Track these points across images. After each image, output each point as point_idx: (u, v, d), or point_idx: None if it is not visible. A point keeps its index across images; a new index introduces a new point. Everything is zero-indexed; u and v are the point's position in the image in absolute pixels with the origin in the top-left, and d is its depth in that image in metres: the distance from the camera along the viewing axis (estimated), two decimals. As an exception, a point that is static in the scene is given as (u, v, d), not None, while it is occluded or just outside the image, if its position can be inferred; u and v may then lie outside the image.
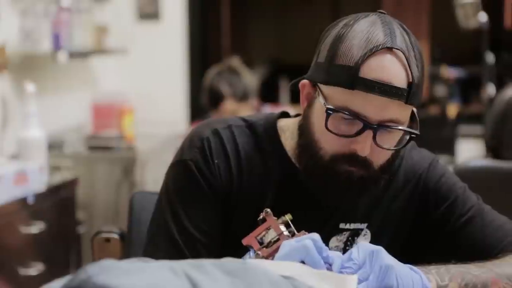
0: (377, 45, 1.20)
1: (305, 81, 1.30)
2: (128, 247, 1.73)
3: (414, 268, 1.15)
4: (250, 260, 1.10)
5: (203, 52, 4.99)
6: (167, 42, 4.80)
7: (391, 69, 1.19)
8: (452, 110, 4.83)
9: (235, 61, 3.49)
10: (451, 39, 5.35)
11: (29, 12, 3.60)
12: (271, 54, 7.42)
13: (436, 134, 4.59)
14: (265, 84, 6.48)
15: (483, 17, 3.58)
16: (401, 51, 1.20)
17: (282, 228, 1.17)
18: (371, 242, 1.34)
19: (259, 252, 1.15)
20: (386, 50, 1.20)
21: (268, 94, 5.86)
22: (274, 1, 7.63)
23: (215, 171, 1.32)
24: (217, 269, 0.99)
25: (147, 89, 4.74)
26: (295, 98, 5.78)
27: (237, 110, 3.27)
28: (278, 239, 1.15)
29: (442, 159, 4.29)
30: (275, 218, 1.17)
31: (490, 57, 3.76)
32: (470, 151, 4.37)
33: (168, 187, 1.35)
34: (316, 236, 1.11)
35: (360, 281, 1.10)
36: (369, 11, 1.29)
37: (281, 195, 1.32)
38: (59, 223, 3.11)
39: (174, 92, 4.81)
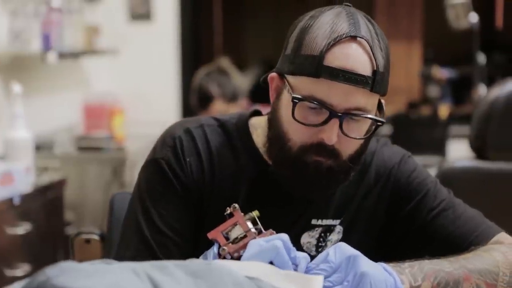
0: (341, 34, 1.22)
1: (273, 74, 1.31)
2: (108, 248, 1.72)
3: (389, 269, 1.15)
4: (215, 261, 1.09)
5: (195, 52, 4.99)
6: (159, 42, 4.79)
7: (355, 57, 1.21)
8: (444, 110, 4.83)
9: (225, 62, 3.49)
10: (444, 40, 5.34)
11: (19, 12, 3.60)
12: (265, 54, 7.42)
13: (428, 135, 4.58)
14: (259, 84, 6.47)
15: (474, 17, 3.58)
16: (365, 40, 1.22)
17: (249, 225, 1.17)
18: (343, 238, 1.35)
19: (224, 247, 1.16)
20: (350, 39, 1.22)
21: (261, 94, 5.85)
22: (269, 1, 7.63)
23: (187, 169, 1.32)
24: (180, 270, 0.99)
25: (139, 89, 4.74)
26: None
27: (226, 111, 3.25)
28: (245, 236, 1.16)
29: (433, 159, 4.29)
30: (243, 214, 1.18)
31: (481, 58, 3.76)
32: (461, 151, 4.36)
33: (140, 186, 1.35)
34: (284, 236, 1.12)
35: (333, 285, 1.10)
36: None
37: (253, 192, 1.33)
38: (47, 224, 3.11)
39: (166, 92, 4.81)
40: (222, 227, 1.17)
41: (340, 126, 1.22)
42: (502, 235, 1.36)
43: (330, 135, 1.22)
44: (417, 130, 4.63)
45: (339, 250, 1.12)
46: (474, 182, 2.26)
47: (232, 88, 3.35)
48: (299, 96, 1.23)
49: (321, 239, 1.36)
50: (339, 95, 1.21)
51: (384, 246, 1.38)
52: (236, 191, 1.33)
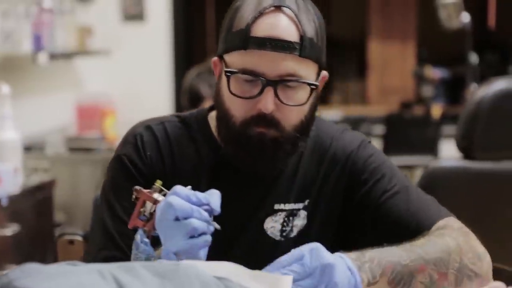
0: (265, 6, 1.28)
1: (214, 58, 1.37)
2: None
3: (352, 268, 1.17)
4: (184, 261, 1.09)
5: (188, 53, 4.99)
6: (152, 43, 4.78)
7: (280, 26, 1.27)
8: (437, 110, 4.83)
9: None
10: (438, 40, 5.34)
11: (10, 13, 3.60)
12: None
13: (420, 135, 4.58)
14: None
15: (466, 17, 3.58)
16: (290, 9, 1.28)
17: (156, 195, 1.18)
18: (307, 223, 1.38)
19: (145, 229, 1.17)
20: (274, 9, 1.28)
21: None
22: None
23: (148, 162, 1.36)
24: (147, 271, 0.98)
25: (132, 90, 4.73)
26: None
27: (217, 111, 3.25)
28: (155, 209, 1.17)
29: (425, 159, 4.29)
30: (146, 190, 1.19)
31: (474, 58, 3.76)
32: (453, 151, 4.36)
33: (105, 184, 1.39)
34: (178, 188, 1.15)
35: None
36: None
37: (215, 181, 1.35)
38: (36, 225, 3.10)
39: (159, 93, 4.80)
40: (135, 213, 1.19)
41: (276, 94, 1.27)
42: (451, 219, 1.39)
43: (266, 103, 1.26)
44: (410, 130, 4.63)
45: (315, 255, 1.13)
46: (460, 182, 2.25)
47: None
48: (231, 70, 1.28)
49: (285, 224, 1.38)
50: (269, 63, 1.26)
51: (343, 230, 1.41)
52: (198, 181, 1.35)
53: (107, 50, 4.52)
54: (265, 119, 1.27)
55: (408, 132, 4.61)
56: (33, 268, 0.91)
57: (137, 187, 1.20)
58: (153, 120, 1.42)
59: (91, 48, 4.34)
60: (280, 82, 1.27)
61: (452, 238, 1.31)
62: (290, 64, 1.26)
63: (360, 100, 6.09)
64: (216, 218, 1.17)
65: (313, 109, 1.34)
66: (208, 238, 1.13)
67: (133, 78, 4.76)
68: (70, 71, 4.52)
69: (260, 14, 1.27)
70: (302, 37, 1.27)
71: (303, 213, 1.38)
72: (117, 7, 4.75)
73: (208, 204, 1.14)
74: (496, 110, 2.21)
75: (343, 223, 1.41)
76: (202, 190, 1.24)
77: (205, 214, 1.13)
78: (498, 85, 2.24)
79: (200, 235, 1.13)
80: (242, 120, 1.30)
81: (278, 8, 1.27)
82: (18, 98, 3.39)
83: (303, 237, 1.36)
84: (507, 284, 1.33)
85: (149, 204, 1.18)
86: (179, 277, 0.98)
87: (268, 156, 1.30)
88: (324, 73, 1.34)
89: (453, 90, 5.33)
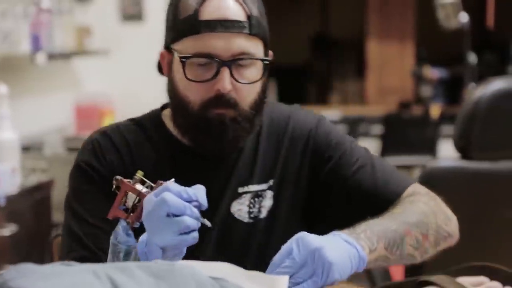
0: None
1: (162, 51, 1.40)
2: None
3: (349, 239, 1.20)
4: (179, 261, 1.09)
5: (187, 53, 4.98)
6: (151, 43, 4.74)
7: (227, 7, 1.32)
8: (435, 110, 4.83)
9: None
10: (436, 40, 5.34)
11: (8, 13, 3.59)
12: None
13: (419, 134, 4.59)
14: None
15: (464, 17, 3.58)
16: None
17: (139, 187, 1.18)
18: (274, 203, 1.41)
19: (128, 220, 1.16)
20: None
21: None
22: (263, 2, 7.62)
23: (108, 165, 1.38)
24: (142, 271, 0.98)
25: (130, 90, 4.73)
26: (283, 99, 5.80)
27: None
28: (139, 200, 1.17)
29: (424, 159, 4.29)
30: (128, 180, 1.18)
31: (472, 58, 3.76)
32: (451, 151, 4.36)
33: (67, 195, 1.42)
34: (170, 184, 1.15)
35: (303, 280, 1.12)
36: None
37: (177, 173, 1.36)
38: (34, 225, 3.09)
39: (157, 93, 4.78)
40: (116, 203, 1.18)
41: (231, 74, 1.31)
42: (417, 186, 1.45)
43: (223, 83, 1.30)
44: (408, 130, 4.63)
45: (302, 244, 1.15)
46: (458, 182, 2.25)
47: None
48: (186, 55, 1.31)
49: (251, 205, 1.40)
50: (222, 44, 1.30)
51: (313, 209, 1.44)
52: (161, 176, 1.35)
53: (105, 50, 4.52)
54: (223, 100, 1.31)
55: (406, 132, 4.62)
56: (28, 268, 0.91)
57: (118, 177, 1.19)
58: (108, 127, 1.46)
59: (90, 48, 4.34)
60: (234, 61, 1.31)
61: (423, 203, 1.38)
62: (242, 43, 1.31)
63: (358, 100, 6.09)
64: None
65: (264, 86, 1.38)
66: (196, 235, 1.14)
67: (132, 78, 4.75)
68: (68, 71, 4.52)
69: None
70: (249, 16, 1.32)
71: (269, 194, 1.41)
72: (116, 7, 4.75)
73: (197, 200, 1.15)
74: (493, 110, 2.21)
75: (312, 201, 1.44)
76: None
77: (196, 212, 1.14)
78: (496, 85, 2.24)
79: (189, 232, 1.14)
80: (200, 104, 1.33)
81: None
82: (16, 98, 3.39)
83: (272, 218, 1.40)
84: (504, 284, 1.34)
85: (132, 196, 1.17)
86: (174, 278, 0.98)
87: (229, 137, 1.34)
88: (270, 52, 1.38)
89: (451, 90, 5.33)
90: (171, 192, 1.14)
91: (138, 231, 1.19)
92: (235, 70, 1.31)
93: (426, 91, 5.05)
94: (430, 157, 4.34)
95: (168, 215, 1.12)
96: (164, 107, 1.48)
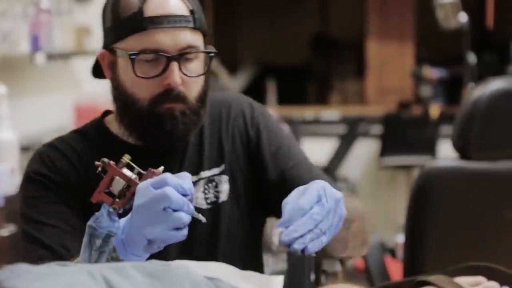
0: None
1: (102, 52, 1.42)
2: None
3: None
4: (175, 261, 1.09)
5: (186, 53, 4.97)
6: (150, 43, 4.77)
7: (170, 2, 1.36)
8: (435, 110, 4.82)
9: (212, 63, 3.48)
10: (436, 40, 5.34)
11: (7, 13, 3.59)
12: (259, 55, 7.42)
13: (418, 134, 4.58)
14: (253, 85, 6.47)
15: (463, 17, 3.58)
16: None
17: (128, 172, 1.16)
18: (230, 186, 1.46)
19: (115, 206, 1.14)
20: None
21: (255, 95, 5.85)
22: (263, 2, 7.62)
23: (59, 172, 1.40)
24: (137, 271, 0.98)
25: (130, 90, 4.72)
26: (283, 100, 5.78)
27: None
28: (128, 186, 1.15)
29: (423, 159, 4.28)
30: (114, 163, 1.17)
31: (472, 58, 3.75)
32: (451, 151, 4.35)
33: (20, 205, 1.42)
34: (168, 176, 1.14)
35: (321, 232, 1.12)
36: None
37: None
38: (33, 225, 3.09)
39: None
40: (101, 186, 1.16)
41: (180, 68, 1.34)
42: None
43: (173, 77, 1.33)
44: (408, 130, 4.62)
45: (329, 193, 1.17)
46: (457, 182, 2.25)
47: (220, 89, 3.35)
48: (135, 51, 1.33)
49: (206, 191, 1.44)
50: (169, 39, 1.33)
51: (263, 191, 1.49)
52: None
53: (105, 51, 4.51)
54: (172, 94, 1.34)
55: (406, 132, 4.61)
56: (22, 268, 0.91)
57: (105, 160, 1.17)
58: (53, 140, 1.48)
59: (89, 48, 4.33)
60: (182, 56, 1.34)
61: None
62: (188, 37, 1.35)
63: (358, 100, 6.09)
64: None
65: (207, 78, 1.42)
66: (186, 232, 1.14)
67: (131, 78, 4.75)
68: (68, 71, 4.51)
69: None
70: (192, 11, 1.36)
71: (224, 178, 1.46)
72: (115, 7, 4.74)
73: (191, 195, 1.15)
74: (492, 110, 2.21)
75: (260, 184, 1.49)
76: None
77: (192, 208, 1.14)
78: (495, 85, 2.24)
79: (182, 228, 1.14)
80: (149, 99, 1.35)
81: None
82: (16, 99, 3.39)
83: (232, 200, 1.44)
84: (502, 284, 1.34)
85: (119, 181, 1.15)
86: (169, 278, 0.98)
87: (179, 130, 1.36)
88: (211, 46, 1.43)
89: (451, 90, 5.32)
90: (171, 186, 1.13)
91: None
92: (182, 64, 1.34)
93: (426, 91, 5.04)
94: (430, 157, 4.34)
95: (164, 209, 1.12)
96: (105, 114, 1.51)
